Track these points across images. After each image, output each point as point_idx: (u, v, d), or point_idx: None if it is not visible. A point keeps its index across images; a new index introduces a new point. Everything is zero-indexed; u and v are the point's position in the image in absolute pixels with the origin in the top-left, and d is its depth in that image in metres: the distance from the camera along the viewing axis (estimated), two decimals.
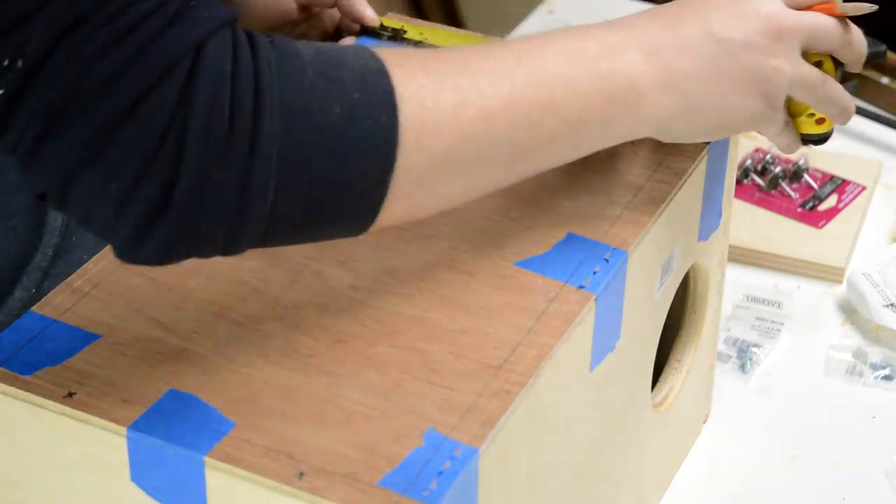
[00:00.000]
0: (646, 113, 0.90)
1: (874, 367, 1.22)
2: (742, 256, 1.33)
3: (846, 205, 1.38)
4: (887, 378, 1.21)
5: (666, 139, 0.94)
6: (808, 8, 0.94)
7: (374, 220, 0.83)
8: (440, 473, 0.79)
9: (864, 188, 1.40)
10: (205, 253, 0.81)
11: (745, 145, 1.44)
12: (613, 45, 0.88)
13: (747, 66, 0.91)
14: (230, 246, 0.81)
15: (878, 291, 1.26)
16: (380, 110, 0.81)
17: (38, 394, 0.84)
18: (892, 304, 1.25)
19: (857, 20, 0.97)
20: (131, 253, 0.80)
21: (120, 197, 0.77)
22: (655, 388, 1.08)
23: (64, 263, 1.13)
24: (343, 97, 0.80)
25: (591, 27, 0.90)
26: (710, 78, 0.90)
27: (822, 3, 0.95)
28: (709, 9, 0.91)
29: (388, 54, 0.83)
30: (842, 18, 0.95)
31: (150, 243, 0.78)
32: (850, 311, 1.28)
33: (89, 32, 0.75)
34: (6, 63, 0.75)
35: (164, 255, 0.80)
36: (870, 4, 0.95)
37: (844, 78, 1.55)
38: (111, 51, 0.75)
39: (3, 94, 0.75)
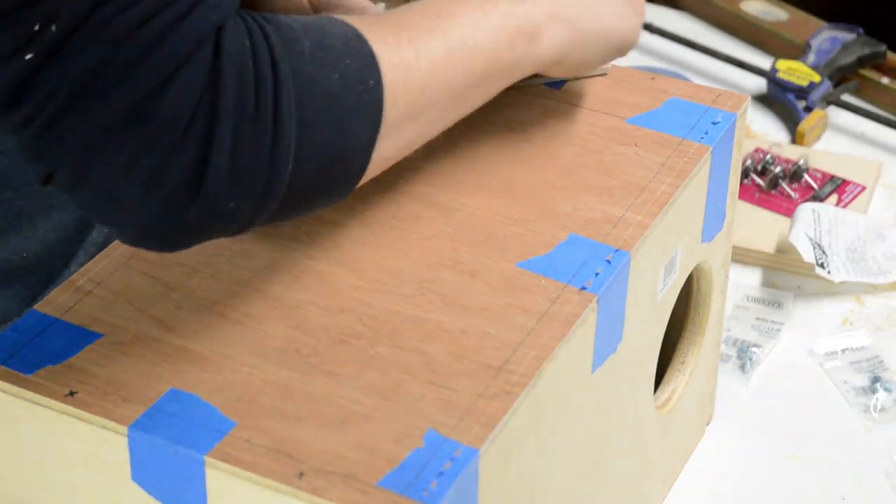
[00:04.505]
0: (544, 46, 0.96)
1: (874, 367, 1.22)
2: (742, 256, 1.33)
3: (846, 205, 1.38)
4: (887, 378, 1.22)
5: (562, 71, 1.00)
6: None
7: (359, 181, 0.86)
8: (440, 474, 0.79)
9: (864, 188, 1.40)
10: (227, 231, 0.81)
11: (746, 145, 1.43)
12: None
13: None
14: (251, 223, 0.81)
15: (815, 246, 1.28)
16: (368, 74, 0.84)
17: (40, 393, 0.84)
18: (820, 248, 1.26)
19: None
20: (155, 235, 0.80)
21: (148, 176, 0.77)
22: (658, 390, 1.08)
23: None
24: (337, 64, 0.83)
25: None
26: (591, 5, 0.98)
27: None
28: None
29: (352, 19, 0.87)
30: None
31: (178, 223, 0.78)
32: (851, 311, 1.28)
33: (121, 7, 0.75)
34: (37, 28, 0.74)
35: (191, 236, 0.80)
36: None
37: (844, 78, 1.55)
38: (142, 29, 0.75)
39: (31, 58, 0.74)
